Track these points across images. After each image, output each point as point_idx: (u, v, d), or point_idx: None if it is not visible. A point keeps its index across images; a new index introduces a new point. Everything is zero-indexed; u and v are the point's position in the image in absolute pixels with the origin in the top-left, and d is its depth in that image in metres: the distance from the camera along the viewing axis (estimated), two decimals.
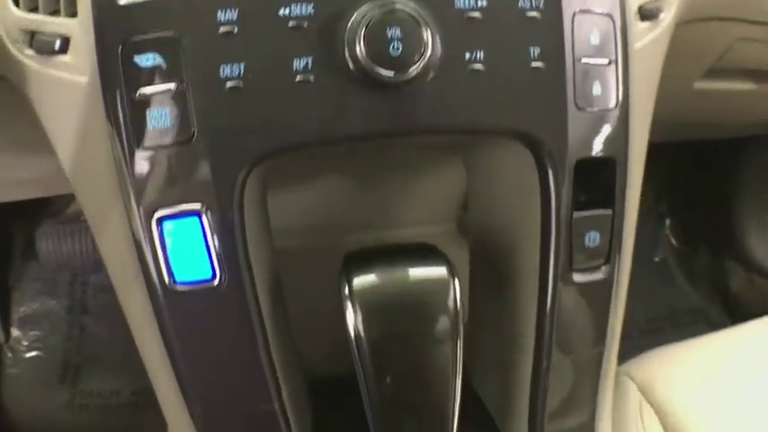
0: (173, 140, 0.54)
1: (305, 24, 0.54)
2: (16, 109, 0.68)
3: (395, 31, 0.52)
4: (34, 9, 0.57)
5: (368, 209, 0.90)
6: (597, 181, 0.63)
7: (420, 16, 0.53)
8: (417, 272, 0.60)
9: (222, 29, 0.53)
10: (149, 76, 0.54)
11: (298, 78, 0.54)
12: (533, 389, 0.69)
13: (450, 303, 0.59)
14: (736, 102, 1.17)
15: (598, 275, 0.66)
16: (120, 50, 0.53)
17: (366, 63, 0.52)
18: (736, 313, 1.73)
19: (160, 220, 0.56)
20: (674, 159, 1.77)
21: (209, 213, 0.55)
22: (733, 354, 0.95)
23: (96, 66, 0.55)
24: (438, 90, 0.56)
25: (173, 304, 0.58)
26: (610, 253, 0.65)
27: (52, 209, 1.69)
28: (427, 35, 0.53)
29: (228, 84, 0.53)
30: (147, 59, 0.53)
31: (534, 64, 0.58)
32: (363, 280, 0.59)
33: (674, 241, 1.91)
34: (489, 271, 0.79)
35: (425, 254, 0.62)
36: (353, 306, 0.58)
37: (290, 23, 0.54)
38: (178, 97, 0.53)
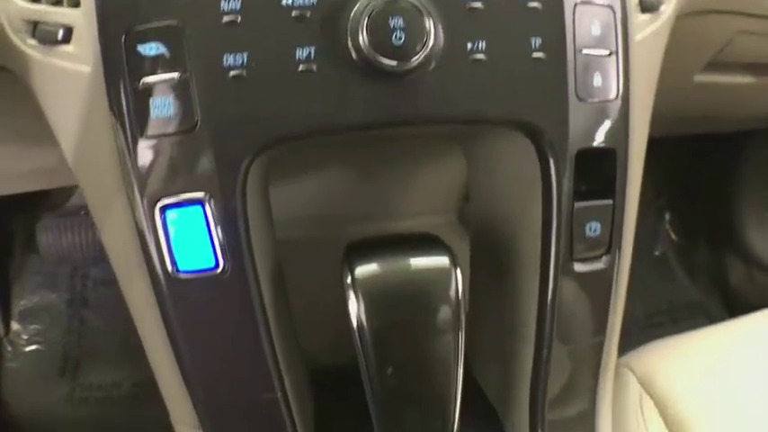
0: (176, 129, 0.54)
1: (308, 14, 0.54)
2: (17, 100, 0.68)
3: (397, 21, 0.52)
4: None
5: (369, 200, 0.91)
6: (598, 171, 0.63)
7: (422, 6, 0.53)
8: (420, 261, 0.61)
9: (225, 18, 0.53)
10: (152, 65, 0.54)
11: (301, 68, 0.54)
12: (534, 378, 0.70)
13: (453, 293, 0.59)
14: (735, 95, 1.17)
15: (599, 265, 0.66)
16: (123, 40, 0.54)
17: (369, 52, 0.52)
18: (735, 307, 1.74)
19: (163, 209, 0.56)
20: (673, 154, 1.77)
21: (212, 202, 0.55)
22: (732, 346, 0.96)
23: (99, 55, 0.55)
24: (440, 80, 0.56)
25: (176, 293, 0.59)
26: (610, 243, 0.65)
27: (52, 202, 1.69)
28: (429, 25, 0.53)
29: (232, 73, 0.53)
30: (150, 49, 0.53)
31: (535, 54, 0.58)
32: (366, 269, 0.59)
33: (673, 236, 1.91)
34: (490, 261, 0.80)
35: (428, 244, 0.62)
36: (356, 295, 0.58)
37: (294, 13, 0.54)
38: (181, 86, 0.53)
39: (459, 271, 0.60)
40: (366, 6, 0.53)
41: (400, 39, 0.52)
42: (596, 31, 0.60)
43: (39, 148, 0.94)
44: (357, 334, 0.59)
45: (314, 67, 0.54)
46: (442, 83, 0.56)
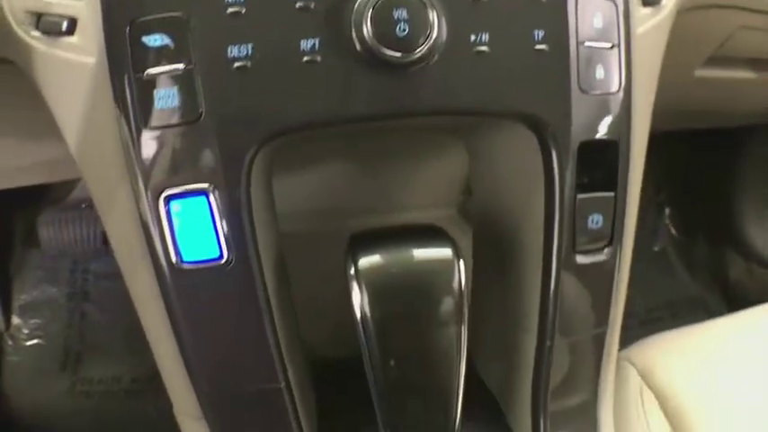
0: (180, 120, 0.54)
1: (312, 5, 0.54)
2: (19, 94, 0.68)
3: (401, 13, 0.53)
4: None
5: (371, 193, 0.91)
6: (600, 163, 0.64)
7: None
8: (423, 252, 0.61)
9: (230, 9, 0.53)
10: (157, 56, 0.54)
11: (305, 59, 0.54)
12: (536, 369, 0.70)
13: (456, 284, 0.59)
14: (736, 90, 1.17)
15: (601, 257, 0.66)
16: (127, 31, 0.54)
17: (373, 44, 0.53)
18: (735, 303, 1.74)
19: (168, 200, 0.56)
20: (674, 149, 1.77)
21: (216, 193, 0.56)
22: (731, 340, 0.96)
23: (104, 46, 0.55)
24: (443, 71, 0.56)
25: (180, 284, 0.59)
26: (612, 235, 0.66)
27: (53, 196, 1.69)
28: (433, 16, 0.53)
29: (236, 64, 0.53)
30: (154, 40, 0.53)
31: (538, 47, 0.58)
32: (369, 260, 0.59)
33: (673, 231, 1.91)
34: (492, 254, 0.80)
35: (431, 235, 0.62)
36: (359, 286, 0.58)
37: (298, 4, 0.54)
38: (186, 77, 0.54)
39: (462, 262, 0.60)
40: None
41: (404, 30, 0.53)
42: (598, 23, 0.61)
43: (40, 141, 0.94)
44: (360, 325, 0.59)
45: (318, 59, 0.54)
46: (446, 74, 0.57)
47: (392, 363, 0.60)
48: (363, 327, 0.59)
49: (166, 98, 0.54)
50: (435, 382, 0.62)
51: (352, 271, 0.59)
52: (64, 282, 1.69)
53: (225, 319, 0.61)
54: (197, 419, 0.67)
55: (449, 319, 0.59)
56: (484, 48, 0.57)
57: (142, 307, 0.65)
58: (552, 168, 0.62)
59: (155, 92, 0.54)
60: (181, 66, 0.54)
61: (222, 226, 0.57)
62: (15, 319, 1.65)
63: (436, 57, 0.55)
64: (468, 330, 0.61)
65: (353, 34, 0.53)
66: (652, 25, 0.66)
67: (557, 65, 0.59)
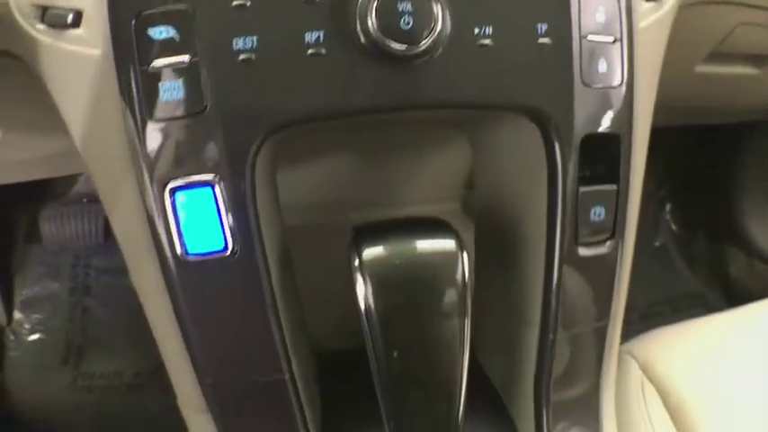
0: (185, 112, 0.54)
1: None
2: (20, 88, 0.69)
3: (406, 5, 0.53)
4: None
5: (374, 187, 0.91)
6: (603, 157, 0.64)
7: None
8: (427, 244, 0.61)
9: (235, 2, 0.53)
10: (162, 48, 0.54)
11: (310, 51, 0.54)
12: (539, 362, 0.70)
13: (459, 276, 0.59)
14: (737, 86, 1.17)
15: (603, 249, 0.67)
16: (133, 23, 0.54)
17: (377, 36, 0.53)
18: (735, 298, 1.74)
19: (173, 192, 0.56)
20: (675, 145, 1.77)
21: (221, 184, 0.56)
22: (730, 335, 0.97)
23: (109, 39, 0.55)
24: (447, 64, 0.57)
25: (185, 275, 0.59)
26: (614, 228, 0.66)
27: (55, 191, 1.69)
28: (437, 9, 0.54)
29: (241, 56, 0.54)
30: (160, 32, 0.54)
31: (541, 40, 0.58)
32: (373, 251, 0.59)
33: (674, 226, 1.92)
34: (495, 247, 0.80)
35: (435, 227, 0.63)
36: (363, 278, 0.59)
37: None
38: (191, 70, 0.54)
39: (465, 254, 0.60)
40: None
41: (408, 23, 0.53)
42: (601, 18, 0.61)
43: (42, 136, 0.94)
44: (364, 316, 0.59)
45: (323, 51, 0.55)
46: (449, 67, 0.57)
47: (396, 354, 0.60)
48: (367, 318, 0.59)
49: (171, 90, 0.54)
50: (438, 374, 0.62)
51: (356, 263, 0.59)
52: (65, 277, 1.69)
53: (230, 310, 0.61)
54: (201, 412, 0.67)
55: (452, 311, 0.60)
56: (487, 41, 0.57)
57: (147, 299, 0.65)
58: (555, 161, 0.62)
59: (160, 84, 0.54)
60: (186, 58, 0.54)
61: (227, 217, 0.57)
62: (17, 314, 1.66)
63: (440, 50, 0.55)
64: (471, 324, 0.61)
65: (358, 27, 0.54)
66: (654, 20, 0.66)
67: (559, 58, 0.60)
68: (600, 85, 0.61)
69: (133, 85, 0.55)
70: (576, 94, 0.60)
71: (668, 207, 1.91)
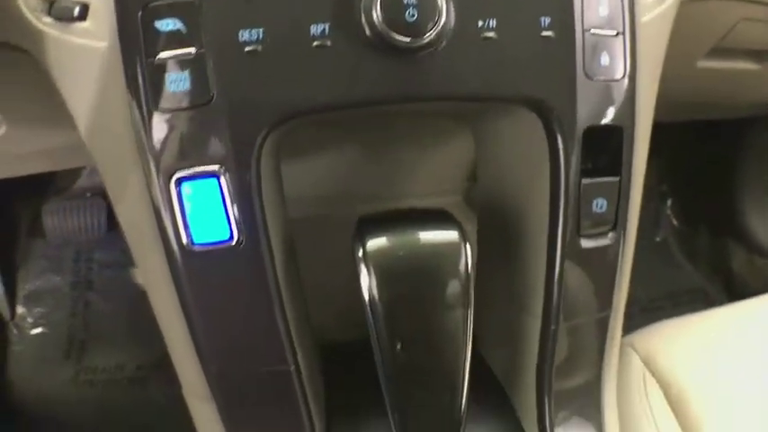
0: (192, 103, 0.55)
1: None
2: (27, 83, 0.69)
3: None
4: None
5: (377, 180, 0.92)
6: (605, 149, 0.64)
7: None
8: (431, 235, 0.61)
9: None
10: (169, 40, 0.54)
11: (315, 43, 0.55)
12: (541, 352, 0.71)
13: (462, 267, 0.60)
14: (739, 81, 1.17)
15: (605, 241, 0.67)
16: (139, 16, 0.54)
17: (382, 29, 0.53)
18: (736, 293, 1.74)
19: (179, 182, 0.56)
20: (676, 140, 1.78)
21: (227, 175, 0.56)
22: (731, 328, 0.97)
23: (116, 31, 0.55)
24: (451, 57, 0.57)
25: (190, 266, 0.59)
26: (616, 219, 0.66)
27: (58, 185, 1.70)
28: (441, 2, 0.54)
29: (247, 48, 0.54)
30: (166, 24, 0.54)
31: (545, 33, 0.59)
32: (377, 242, 0.60)
33: (675, 222, 1.92)
34: (497, 240, 0.81)
35: (439, 218, 0.63)
36: (367, 268, 0.59)
37: None
38: (197, 61, 0.54)
39: (468, 245, 0.60)
40: None
41: (413, 16, 0.53)
42: (604, 11, 0.61)
43: (46, 129, 0.95)
44: (368, 307, 0.60)
45: (328, 43, 0.55)
46: (453, 60, 0.57)
47: (400, 345, 0.61)
48: (371, 309, 0.59)
49: (178, 82, 0.54)
50: (442, 366, 0.63)
51: (360, 253, 0.60)
52: (68, 271, 1.70)
53: (235, 300, 0.61)
54: (206, 401, 0.67)
55: (455, 301, 0.60)
56: (491, 34, 0.57)
57: (153, 289, 0.65)
58: (558, 153, 0.63)
59: (166, 76, 0.55)
60: (192, 50, 0.54)
61: (233, 208, 0.57)
62: (20, 309, 1.66)
63: (444, 42, 0.56)
64: (474, 315, 0.62)
65: (363, 19, 0.54)
66: (656, 14, 0.67)
67: (562, 51, 0.60)
68: (602, 78, 0.62)
69: (140, 76, 0.55)
70: (579, 86, 0.61)
71: (669, 202, 1.92)
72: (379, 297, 0.59)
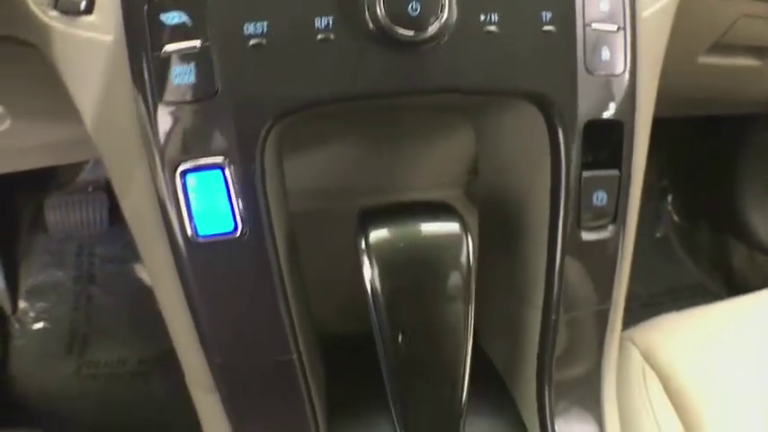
0: (197, 96, 0.55)
1: None
2: (33, 76, 0.69)
3: None
4: None
5: (378, 173, 0.92)
6: (605, 142, 0.65)
7: None
8: (433, 227, 0.62)
9: None
10: (174, 33, 0.55)
11: (319, 37, 0.55)
12: (542, 343, 0.71)
13: (464, 258, 0.60)
14: (739, 78, 1.18)
15: (605, 234, 0.67)
16: (145, 9, 0.55)
17: (385, 22, 0.54)
18: (736, 290, 1.74)
19: (184, 174, 0.57)
20: (677, 136, 1.78)
21: (231, 167, 0.57)
22: (730, 323, 0.98)
23: (122, 25, 0.56)
24: (453, 50, 0.57)
25: (195, 257, 0.60)
26: (616, 212, 0.67)
27: (60, 180, 1.70)
28: None
29: (252, 41, 0.54)
30: (172, 18, 0.54)
31: (546, 28, 0.59)
32: (380, 233, 0.60)
33: (675, 217, 1.92)
34: (498, 233, 0.81)
35: (441, 210, 0.63)
36: (369, 259, 0.59)
37: None
38: (202, 54, 0.55)
39: (470, 237, 0.61)
40: None
41: (416, 10, 0.54)
42: (605, 6, 0.62)
43: (49, 123, 0.95)
44: (371, 298, 0.60)
45: (332, 37, 0.55)
46: (456, 53, 0.58)
47: (402, 336, 0.61)
48: (374, 300, 0.60)
49: (183, 75, 0.55)
50: (443, 357, 0.63)
51: (363, 245, 0.60)
52: (70, 265, 1.70)
53: (239, 290, 0.62)
54: (210, 391, 0.68)
55: (457, 293, 0.61)
56: (493, 28, 0.58)
57: (158, 281, 0.66)
58: (558, 146, 0.63)
59: (172, 69, 0.55)
60: (198, 43, 0.55)
61: (237, 199, 0.58)
62: (22, 303, 1.66)
63: (447, 36, 0.56)
64: (475, 308, 0.62)
65: (367, 13, 0.54)
66: (657, 10, 0.67)
67: (564, 46, 0.60)
68: (603, 73, 0.62)
69: (145, 70, 0.56)
70: (580, 80, 0.61)
71: (670, 198, 1.92)
72: (382, 288, 0.59)
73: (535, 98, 0.62)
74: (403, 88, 0.59)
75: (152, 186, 0.59)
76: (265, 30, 0.55)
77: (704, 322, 0.98)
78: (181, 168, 0.57)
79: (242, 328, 0.64)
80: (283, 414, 0.69)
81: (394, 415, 0.66)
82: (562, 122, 0.62)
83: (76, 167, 1.69)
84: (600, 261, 0.69)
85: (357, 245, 0.61)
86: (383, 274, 0.59)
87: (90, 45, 0.57)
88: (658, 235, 1.91)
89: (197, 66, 0.55)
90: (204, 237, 0.59)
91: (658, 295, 1.77)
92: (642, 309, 1.67)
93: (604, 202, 0.66)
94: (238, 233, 0.59)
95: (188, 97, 0.55)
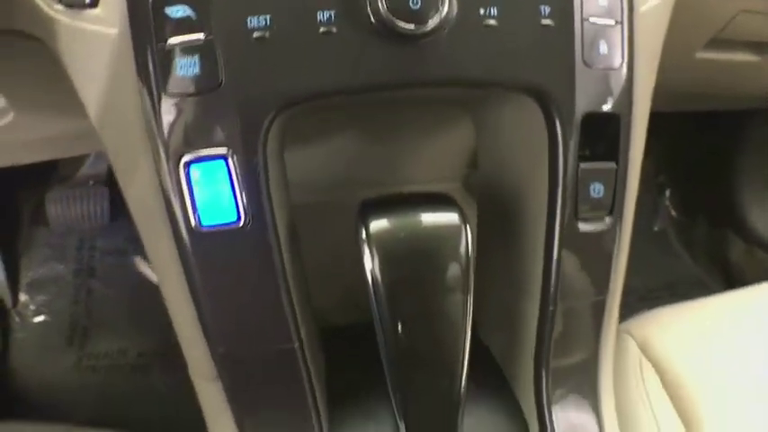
0: (201, 88, 0.56)
1: None
2: (37, 69, 0.70)
3: None
4: None
5: (378, 166, 0.93)
6: (603, 135, 0.66)
7: None
8: (433, 217, 0.62)
9: None
10: (179, 26, 0.55)
11: (321, 30, 0.56)
12: (539, 333, 0.72)
13: (463, 247, 0.61)
14: (737, 73, 1.18)
15: (602, 225, 0.68)
16: (150, 2, 0.55)
17: (386, 16, 0.54)
18: (734, 284, 1.74)
19: (187, 165, 0.57)
20: (675, 131, 1.78)
21: (234, 158, 0.57)
22: (727, 315, 0.99)
23: (127, 18, 0.56)
24: (453, 43, 0.58)
25: (198, 247, 0.60)
26: (613, 204, 0.68)
27: (61, 173, 1.70)
28: None
29: (255, 34, 0.55)
30: (176, 11, 0.55)
31: (544, 22, 0.60)
32: (381, 223, 0.61)
33: (673, 212, 1.92)
34: (496, 225, 0.82)
35: (441, 201, 0.64)
36: (370, 249, 0.60)
37: None
38: (206, 47, 0.55)
39: (468, 227, 0.62)
40: None
41: (417, 3, 0.54)
42: (603, 1, 0.63)
43: (51, 116, 0.95)
44: (372, 288, 0.61)
45: (334, 30, 0.56)
46: (455, 47, 0.58)
47: (402, 325, 0.62)
48: (374, 290, 0.61)
49: (187, 67, 0.56)
50: (442, 349, 0.64)
51: (364, 235, 0.61)
52: (71, 258, 1.70)
53: (241, 280, 0.63)
54: (212, 380, 0.69)
55: (456, 282, 0.61)
56: (492, 22, 0.59)
57: (162, 272, 0.67)
58: (556, 139, 0.64)
59: (176, 61, 0.56)
60: (202, 36, 0.55)
61: (240, 190, 0.58)
62: (22, 296, 1.67)
63: (447, 29, 0.57)
64: (474, 299, 0.63)
65: (368, 7, 0.55)
66: (655, 4, 0.68)
67: (562, 39, 0.61)
68: (601, 66, 0.63)
69: (150, 62, 0.56)
70: (578, 73, 0.62)
71: (668, 192, 1.92)
72: (382, 278, 0.60)
73: (534, 91, 0.63)
74: (404, 81, 0.60)
75: (156, 178, 0.59)
76: (268, 23, 0.55)
77: (701, 315, 0.99)
78: (184, 159, 0.57)
79: (244, 318, 0.65)
80: (285, 402, 0.70)
81: (394, 403, 0.66)
82: (560, 115, 0.63)
83: (78, 161, 1.69)
84: (597, 252, 0.70)
85: (358, 235, 0.61)
86: (383, 264, 0.60)
87: (95, 38, 0.58)
88: (656, 229, 1.91)
89: (201, 58, 0.55)
90: (207, 227, 0.59)
91: (656, 289, 1.77)
92: (640, 302, 1.66)
93: (601, 193, 0.66)
94: (241, 223, 0.59)
95: (192, 89, 0.56)
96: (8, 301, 1.64)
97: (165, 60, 0.56)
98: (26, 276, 1.68)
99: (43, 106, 0.93)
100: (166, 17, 0.55)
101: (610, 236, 0.69)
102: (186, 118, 0.57)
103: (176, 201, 0.59)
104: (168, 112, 0.57)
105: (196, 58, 0.55)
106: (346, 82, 0.58)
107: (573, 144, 0.64)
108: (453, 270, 0.61)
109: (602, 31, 0.63)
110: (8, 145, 1.12)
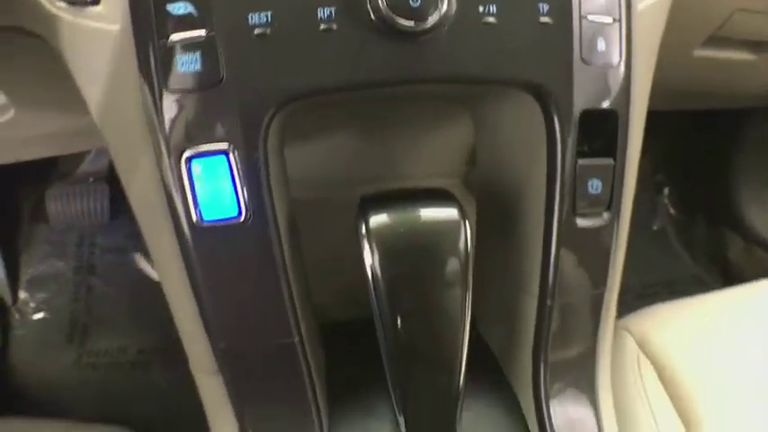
0: (202, 84, 0.56)
1: None
2: (38, 66, 0.70)
3: None
4: None
5: (377, 162, 0.93)
6: (600, 132, 0.66)
7: None
8: (433, 212, 0.63)
9: None
10: (180, 23, 0.56)
11: (322, 27, 0.56)
12: (537, 328, 0.72)
13: (462, 242, 0.61)
14: (735, 71, 1.18)
15: (599, 221, 0.68)
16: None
17: (386, 13, 0.55)
18: (732, 282, 1.74)
19: (189, 160, 0.58)
20: (673, 129, 1.78)
21: (236, 153, 0.58)
22: (725, 312, 0.99)
23: (128, 15, 0.57)
24: (452, 40, 0.58)
25: (200, 242, 0.61)
26: (611, 200, 0.68)
27: (61, 170, 1.70)
28: None
29: (256, 31, 0.55)
30: (178, 8, 0.55)
31: (543, 19, 0.60)
32: (380, 218, 0.61)
33: (672, 210, 1.92)
34: (495, 221, 0.82)
35: (440, 196, 0.64)
36: (370, 244, 0.60)
37: None
38: (208, 43, 0.56)
39: (467, 222, 0.62)
40: None
41: (416, 1, 0.55)
42: None
43: (52, 113, 0.96)
44: (371, 282, 0.61)
45: (334, 27, 0.56)
46: (455, 44, 0.59)
47: (402, 320, 0.62)
48: (374, 284, 0.61)
49: (189, 63, 0.56)
50: (441, 344, 0.64)
51: (364, 230, 0.61)
52: (71, 256, 1.70)
53: (242, 275, 0.63)
54: (213, 374, 0.69)
55: (455, 276, 0.62)
56: (491, 19, 0.59)
57: (163, 267, 0.67)
58: (555, 135, 0.64)
59: (177, 58, 0.56)
60: (203, 32, 0.56)
61: (241, 185, 0.59)
62: (22, 293, 1.67)
63: (446, 27, 0.57)
64: (472, 295, 0.63)
65: (368, 4, 0.55)
66: (652, 2, 0.68)
67: (560, 37, 0.62)
68: (599, 63, 0.63)
69: (151, 58, 0.57)
70: (576, 71, 0.62)
71: (666, 191, 1.92)
72: (382, 273, 0.60)
73: (532, 88, 0.64)
74: (403, 77, 0.60)
75: (157, 173, 0.60)
76: (269, 19, 0.56)
77: (699, 312, 0.99)
78: (186, 155, 0.58)
79: (245, 312, 0.65)
80: (285, 396, 0.71)
81: (393, 398, 0.67)
82: (558, 112, 0.63)
83: (78, 158, 1.70)
84: (594, 247, 0.70)
85: (358, 230, 0.61)
86: (383, 259, 0.60)
87: (97, 35, 0.58)
88: (655, 228, 1.91)
89: (202, 54, 0.56)
90: (209, 222, 0.60)
91: (654, 287, 1.77)
92: (638, 300, 1.66)
93: (599, 189, 0.67)
94: (242, 218, 0.60)
95: (193, 85, 0.56)
96: (8, 299, 1.65)
97: (167, 57, 0.56)
98: (26, 273, 1.68)
99: (44, 103, 0.93)
100: (168, 14, 0.56)
101: (608, 231, 0.70)
102: (187, 114, 0.57)
103: (178, 196, 0.59)
104: (170, 108, 0.57)
105: (197, 54, 0.56)
106: (346, 78, 0.59)
107: (571, 140, 0.64)
108: (452, 265, 0.61)
109: (600, 29, 0.63)
110: (8, 142, 1.12)
